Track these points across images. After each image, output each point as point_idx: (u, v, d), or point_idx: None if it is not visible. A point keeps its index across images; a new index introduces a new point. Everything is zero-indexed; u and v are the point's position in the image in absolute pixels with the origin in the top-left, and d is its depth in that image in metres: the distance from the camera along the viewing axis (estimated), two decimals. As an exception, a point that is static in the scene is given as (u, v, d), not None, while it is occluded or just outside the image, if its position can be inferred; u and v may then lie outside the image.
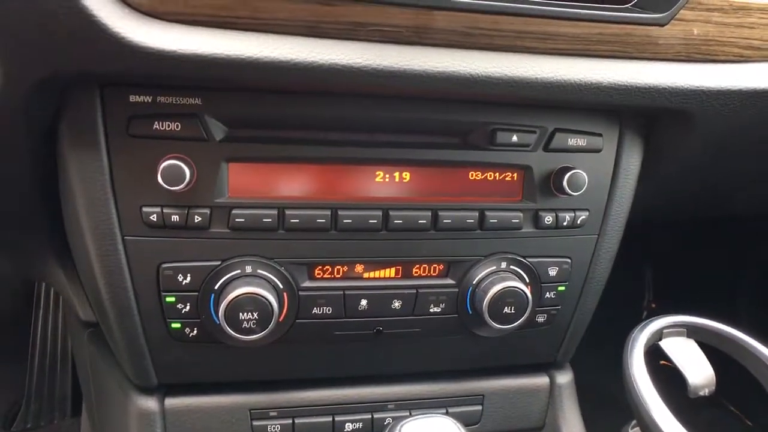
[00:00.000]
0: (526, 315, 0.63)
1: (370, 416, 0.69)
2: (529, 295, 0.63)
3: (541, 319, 0.67)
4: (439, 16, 0.50)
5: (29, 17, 0.44)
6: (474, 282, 0.63)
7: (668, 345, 0.60)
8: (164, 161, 0.52)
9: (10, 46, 0.45)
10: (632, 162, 0.65)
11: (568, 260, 0.66)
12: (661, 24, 0.54)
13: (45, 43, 0.45)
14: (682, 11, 0.54)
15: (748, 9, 0.57)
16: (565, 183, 0.60)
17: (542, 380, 0.75)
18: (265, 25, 0.48)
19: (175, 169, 0.52)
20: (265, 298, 0.56)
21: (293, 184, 0.58)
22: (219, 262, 0.57)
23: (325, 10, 0.48)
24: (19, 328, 1.18)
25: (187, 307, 0.58)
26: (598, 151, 0.63)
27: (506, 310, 0.62)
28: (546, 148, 0.61)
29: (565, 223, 0.64)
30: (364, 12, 0.49)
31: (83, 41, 0.45)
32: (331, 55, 0.49)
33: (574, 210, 0.64)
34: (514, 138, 0.60)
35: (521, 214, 0.62)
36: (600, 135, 0.62)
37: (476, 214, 0.61)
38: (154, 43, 0.46)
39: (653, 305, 1.42)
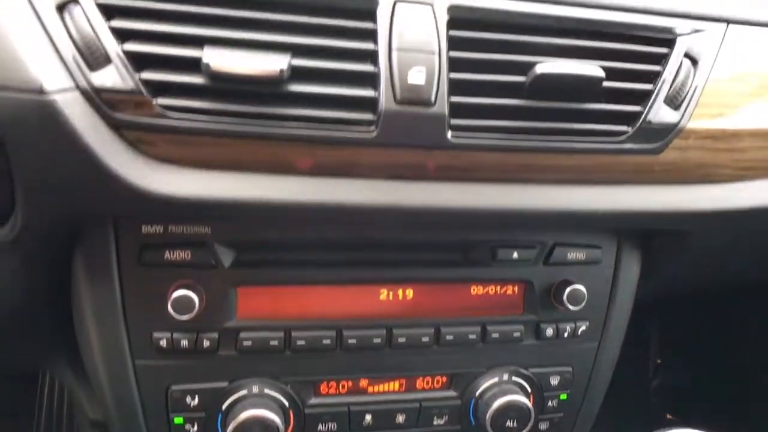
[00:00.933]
0: (528, 426, 0.64)
1: None
2: (532, 406, 0.64)
3: (543, 426, 0.68)
4: (441, 154, 0.52)
5: (49, 170, 0.46)
6: (476, 395, 0.64)
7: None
8: (174, 291, 0.54)
9: (29, 194, 0.48)
10: (631, 271, 0.66)
11: (569, 369, 0.67)
12: (655, 153, 0.56)
13: (64, 191, 0.47)
14: (675, 140, 0.57)
15: (739, 135, 0.59)
16: (565, 298, 0.62)
17: None
18: (277, 166, 0.51)
19: (185, 300, 0.53)
20: (272, 421, 0.57)
21: (299, 304, 0.59)
22: (226, 383, 0.58)
23: (332, 154, 0.51)
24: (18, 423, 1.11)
25: (195, 427, 0.59)
26: (597, 263, 0.64)
27: (509, 423, 0.63)
28: (546, 262, 0.62)
29: (565, 335, 0.65)
30: (372, 153, 0.51)
31: (100, 190, 0.47)
32: (338, 194, 0.51)
33: (574, 321, 0.65)
34: (515, 255, 0.61)
35: (522, 327, 0.63)
36: (599, 247, 0.64)
37: (478, 328, 0.62)
38: (169, 190, 0.48)
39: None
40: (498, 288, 0.63)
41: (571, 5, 0.54)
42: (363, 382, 0.62)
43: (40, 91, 0.44)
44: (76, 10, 0.46)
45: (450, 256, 0.61)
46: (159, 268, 0.55)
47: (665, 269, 0.70)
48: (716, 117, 0.58)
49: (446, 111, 0.50)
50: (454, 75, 0.50)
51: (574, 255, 0.63)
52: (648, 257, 0.67)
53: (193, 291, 0.54)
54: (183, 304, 0.54)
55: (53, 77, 0.44)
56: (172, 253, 0.54)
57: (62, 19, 0.46)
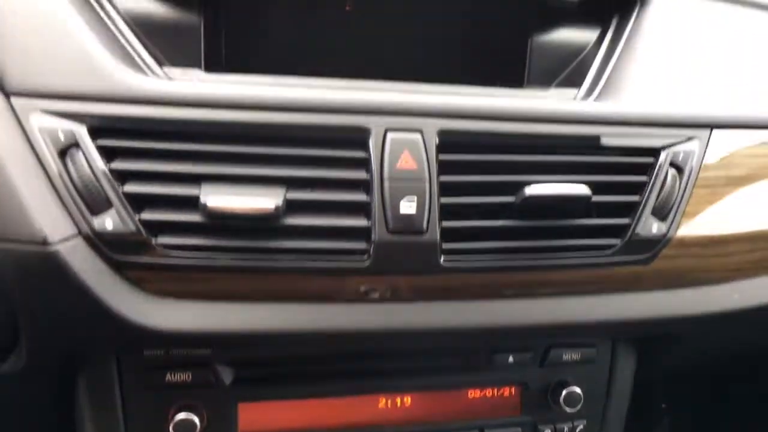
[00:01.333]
0: None
1: None
2: None
3: None
4: (434, 278, 0.53)
5: (52, 313, 0.47)
6: None
7: None
8: (176, 414, 0.55)
9: (32, 333, 0.49)
10: (627, 367, 0.67)
11: None
12: (644, 264, 0.57)
13: (67, 331, 0.49)
14: (663, 250, 0.58)
15: (725, 241, 0.60)
16: (561, 400, 0.62)
17: None
18: (272, 295, 0.52)
19: (186, 423, 0.54)
20: None
21: (299, 416, 0.60)
22: None
23: (325, 282, 0.52)
24: None
25: None
26: (592, 362, 0.65)
27: None
28: (541, 365, 0.63)
29: None
30: (373, 281, 0.52)
31: (102, 329, 0.49)
32: (333, 320, 0.52)
33: (572, 420, 0.65)
34: (510, 359, 0.62)
35: (520, 429, 0.64)
36: (593, 346, 0.65)
37: None
38: (169, 325, 0.49)
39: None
40: (495, 391, 0.64)
41: (556, 122, 0.56)
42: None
43: (44, 242, 0.45)
44: (77, 154, 0.48)
45: (447, 363, 0.62)
46: (160, 390, 0.56)
47: (665, 359, 0.70)
48: (703, 224, 0.59)
49: (438, 237, 0.51)
50: (445, 200, 0.52)
51: (569, 356, 0.64)
52: (645, 351, 0.68)
53: (194, 412, 0.55)
54: (185, 427, 0.55)
55: (56, 226, 0.46)
56: (173, 374, 0.56)
57: (64, 164, 0.48)
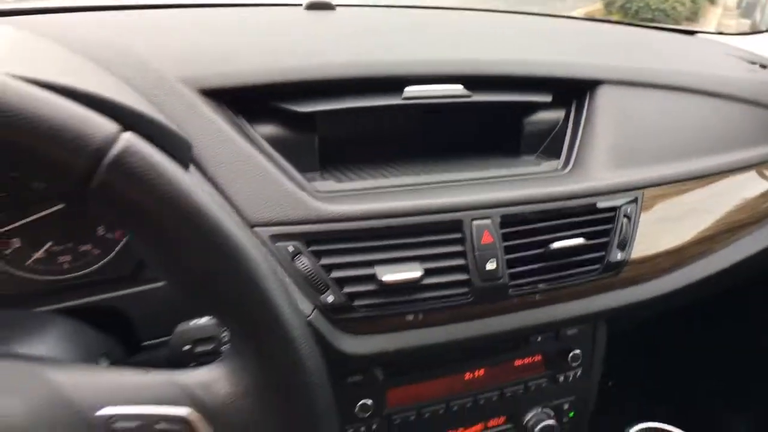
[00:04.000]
0: None
1: None
2: (556, 423, 1.04)
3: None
4: (505, 303, 0.90)
5: None
6: (524, 423, 1.04)
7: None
8: (357, 401, 0.89)
9: None
10: (602, 332, 1.08)
11: (574, 397, 1.08)
12: (614, 276, 0.97)
13: None
14: (626, 267, 0.98)
15: (656, 257, 1.01)
16: (569, 359, 1.02)
17: None
18: (425, 324, 0.87)
19: (364, 406, 0.90)
20: None
21: (424, 390, 0.96)
22: None
23: (444, 314, 0.87)
24: None
25: None
26: (584, 333, 1.05)
27: None
28: (556, 339, 1.02)
29: (570, 380, 1.05)
30: (468, 310, 0.88)
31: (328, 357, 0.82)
32: (459, 334, 0.88)
33: (573, 369, 1.05)
34: (539, 339, 1.01)
35: (546, 380, 1.03)
36: (585, 323, 1.05)
37: (523, 385, 1.02)
38: (362, 350, 0.83)
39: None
40: (530, 359, 1.02)
41: (565, 199, 0.93)
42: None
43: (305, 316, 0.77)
44: (301, 257, 0.79)
45: (504, 346, 1.00)
46: (345, 387, 0.89)
47: (622, 324, 1.12)
48: (644, 249, 0.99)
49: (507, 280, 0.88)
50: (509, 256, 0.88)
51: (571, 332, 1.03)
52: (612, 321, 1.09)
53: (368, 398, 0.89)
54: (363, 408, 0.89)
55: (304, 305, 0.78)
56: (352, 377, 0.89)
57: (294, 264, 0.79)
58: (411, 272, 0.82)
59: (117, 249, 0.81)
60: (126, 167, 0.40)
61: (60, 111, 0.39)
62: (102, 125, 0.41)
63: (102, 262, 0.81)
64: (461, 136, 1.12)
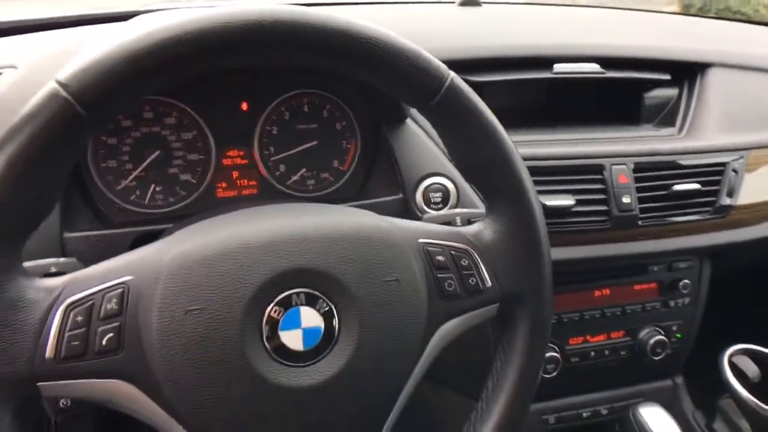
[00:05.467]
0: (666, 350, 1.27)
1: None
2: (667, 339, 1.27)
3: (669, 350, 1.31)
4: (634, 231, 1.14)
5: None
6: (638, 338, 1.27)
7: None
8: None
9: None
10: (707, 267, 1.30)
11: (681, 321, 1.30)
12: (722, 218, 1.20)
13: None
14: (731, 210, 1.20)
15: (759, 204, 1.23)
16: (680, 287, 1.25)
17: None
18: (573, 243, 1.12)
19: None
20: None
21: (567, 300, 1.22)
22: None
23: (588, 237, 1.13)
24: None
25: None
26: (694, 266, 1.28)
27: (658, 349, 1.26)
28: (669, 269, 1.26)
29: (679, 304, 1.28)
30: (612, 234, 1.13)
31: None
32: (596, 252, 1.13)
33: (683, 297, 1.28)
34: (655, 268, 1.25)
35: (660, 303, 1.27)
36: (695, 257, 1.28)
37: (641, 305, 1.26)
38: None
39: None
40: (646, 285, 1.26)
41: (686, 154, 1.17)
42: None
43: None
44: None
45: (626, 272, 1.24)
46: None
47: (723, 265, 1.33)
48: (748, 196, 1.21)
49: (638, 213, 1.12)
50: (640, 194, 1.13)
51: (683, 264, 1.26)
52: (716, 259, 1.31)
53: None
54: None
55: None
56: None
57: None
58: (566, 200, 1.08)
59: (345, 177, 1.11)
60: (457, 90, 0.68)
61: (418, 52, 0.68)
62: (439, 64, 0.69)
63: (335, 186, 1.11)
64: (589, 106, 1.37)
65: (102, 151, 0.96)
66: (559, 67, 1.21)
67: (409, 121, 1.08)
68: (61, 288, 0.54)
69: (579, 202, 1.09)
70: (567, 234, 1.10)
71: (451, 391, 1.21)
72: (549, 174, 1.10)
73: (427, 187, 1.03)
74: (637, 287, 1.26)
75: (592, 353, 1.25)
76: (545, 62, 1.21)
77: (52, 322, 0.52)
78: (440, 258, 0.69)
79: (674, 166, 1.16)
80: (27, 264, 0.56)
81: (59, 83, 0.53)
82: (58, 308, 0.53)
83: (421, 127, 1.08)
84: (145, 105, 0.98)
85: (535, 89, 1.32)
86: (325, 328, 0.61)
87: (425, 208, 1.03)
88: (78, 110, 0.53)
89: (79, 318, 0.53)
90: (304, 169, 1.09)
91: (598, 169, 1.12)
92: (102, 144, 0.96)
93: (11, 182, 0.50)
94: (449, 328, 0.70)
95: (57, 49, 1.00)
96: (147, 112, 0.98)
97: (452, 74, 0.68)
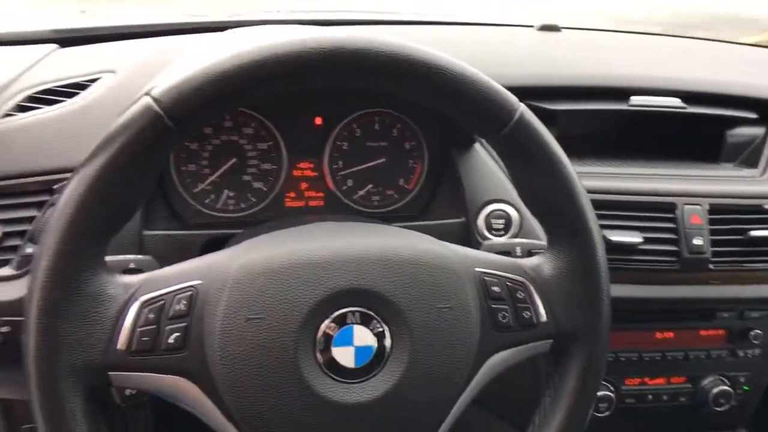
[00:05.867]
0: (730, 401, 1.21)
1: None
2: (732, 390, 1.21)
3: (735, 403, 1.25)
4: (704, 274, 1.10)
5: None
6: (701, 386, 1.22)
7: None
8: None
9: None
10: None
11: (749, 372, 1.24)
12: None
13: None
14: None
15: None
16: (750, 337, 1.19)
17: None
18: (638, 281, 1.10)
19: None
20: None
21: (629, 338, 1.19)
22: None
23: (663, 277, 1.09)
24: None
25: None
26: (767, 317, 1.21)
27: (721, 400, 1.20)
28: (740, 318, 1.20)
29: (749, 355, 1.22)
30: (682, 276, 1.10)
31: None
32: (664, 294, 1.10)
33: (753, 348, 1.22)
34: (725, 315, 1.19)
35: (727, 351, 1.21)
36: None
37: (705, 353, 1.20)
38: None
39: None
40: (713, 331, 1.21)
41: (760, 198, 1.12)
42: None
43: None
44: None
45: (693, 316, 1.19)
46: None
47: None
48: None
49: (710, 256, 1.08)
50: (713, 237, 1.08)
51: (756, 314, 1.20)
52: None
53: None
54: None
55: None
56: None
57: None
58: (633, 237, 1.05)
59: (410, 196, 1.13)
60: (526, 122, 0.69)
61: (490, 84, 0.68)
62: (510, 96, 0.69)
63: (399, 203, 1.13)
64: (666, 141, 1.33)
65: (183, 155, 1.02)
66: (636, 100, 1.18)
67: (477, 145, 1.09)
68: (138, 286, 0.58)
69: (647, 240, 1.06)
70: (632, 272, 1.08)
71: (499, 419, 1.20)
72: (617, 209, 1.08)
73: (489, 213, 1.04)
74: (703, 332, 1.20)
75: (650, 396, 1.20)
76: (622, 93, 1.19)
77: (126, 317, 0.56)
78: (496, 288, 0.70)
79: (753, 210, 1.11)
80: (109, 258, 0.61)
81: (153, 98, 0.58)
82: (133, 304, 0.57)
83: (488, 152, 1.09)
84: (226, 114, 1.04)
85: (610, 120, 1.29)
86: (376, 348, 0.62)
87: (486, 233, 1.03)
88: (167, 123, 0.57)
89: (151, 315, 0.56)
90: (370, 185, 1.12)
91: (670, 207, 1.08)
92: (184, 148, 1.02)
93: (102, 187, 0.55)
94: (499, 359, 0.70)
95: (152, 57, 1.08)
96: (227, 121, 1.04)
97: (522, 107, 0.69)
